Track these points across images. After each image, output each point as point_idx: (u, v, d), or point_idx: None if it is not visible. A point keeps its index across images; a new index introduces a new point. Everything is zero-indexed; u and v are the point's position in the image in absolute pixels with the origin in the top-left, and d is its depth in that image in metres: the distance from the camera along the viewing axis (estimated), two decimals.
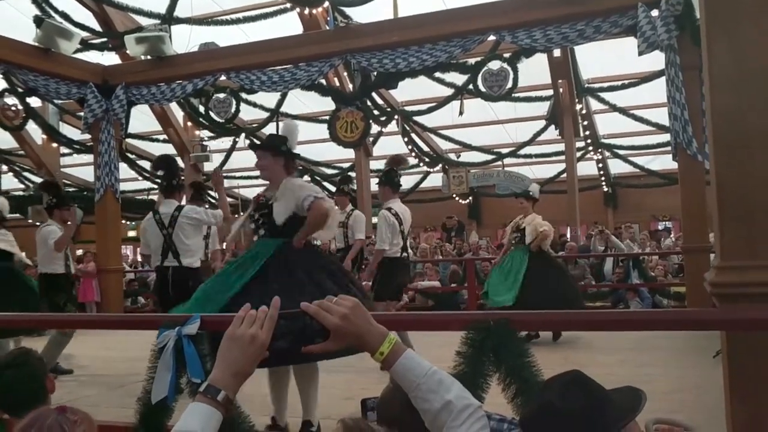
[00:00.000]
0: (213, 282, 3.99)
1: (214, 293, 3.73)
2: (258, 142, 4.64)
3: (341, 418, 1.34)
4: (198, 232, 5.87)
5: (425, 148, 15.39)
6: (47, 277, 6.37)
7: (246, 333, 1.32)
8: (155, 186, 16.25)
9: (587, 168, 15.90)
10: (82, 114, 9.70)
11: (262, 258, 3.82)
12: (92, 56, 10.41)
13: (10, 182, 16.57)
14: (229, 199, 17.31)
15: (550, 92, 12.42)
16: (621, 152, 14.93)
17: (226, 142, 14.38)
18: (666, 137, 10.13)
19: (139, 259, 16.45)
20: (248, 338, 1.31)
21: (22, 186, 16.75)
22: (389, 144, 14.21)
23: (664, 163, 14.18)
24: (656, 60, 7.60)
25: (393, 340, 1.41)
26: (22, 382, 2.35)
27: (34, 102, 10.28)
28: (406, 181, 16.44)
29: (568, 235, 13.58)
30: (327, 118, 9.49)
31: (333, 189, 16.76)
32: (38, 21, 8.84)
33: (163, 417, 2.46)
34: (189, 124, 13.56)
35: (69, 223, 6.44)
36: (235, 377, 1.31)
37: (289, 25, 10.31)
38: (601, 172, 16.60)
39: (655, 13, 6.92)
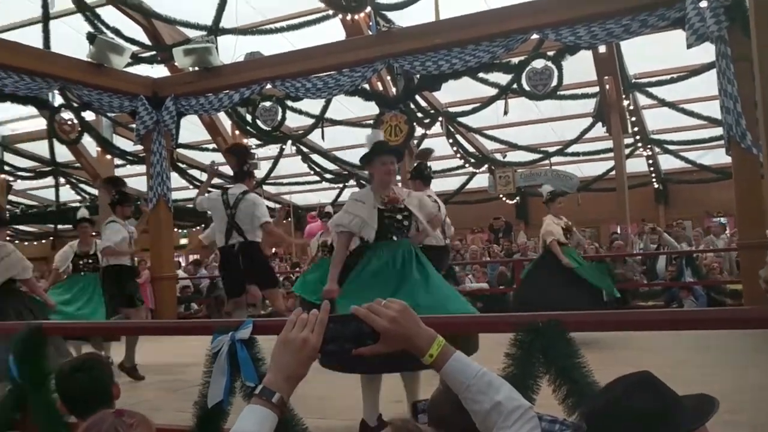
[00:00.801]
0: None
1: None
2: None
3: (390, 419, 1.36)
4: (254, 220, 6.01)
5: (470, 149, 15.31)
6: (115, 269, 6.62)
7: (298, 337, 1.35)
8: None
9: (636, 165, 15.57)
10: (134, 126, 9.97)
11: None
12: (142, 69, 10.72)
13: (68, 194, 17.13)
14: (276, 205, 17.46)
15: (596, 89, 12.23)
16: (671, 147, 14.59)
17: (273, 149, 14.58)
18: (718, 131, 9.85)
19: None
20: (300, 342, 1.35)
21: (79, 197, 17.29)
22: (433, 146, 14.11)
23: (717, 157, 13.78)
24: (706, 52, 7.43)
25: (442, 342, 1.43)
26: (90, 386, 2.43)
27: (89, 116, 10.62)
28: (452, 183, 16.43)
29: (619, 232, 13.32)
30: (371, 122, 9.55)
31: None
32: (91, 38, 9.16)
33: (219, 420, 2.52)
34: (237, 132, 13.79)
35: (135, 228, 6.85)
36: (288, 380, 1.35)
37: (332, 31, 10.41)
38: (651, 169, 16.24)
39: (703, 4, 6.76)
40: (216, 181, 9.58)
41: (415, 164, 6.57)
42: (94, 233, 7.42)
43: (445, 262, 6.33)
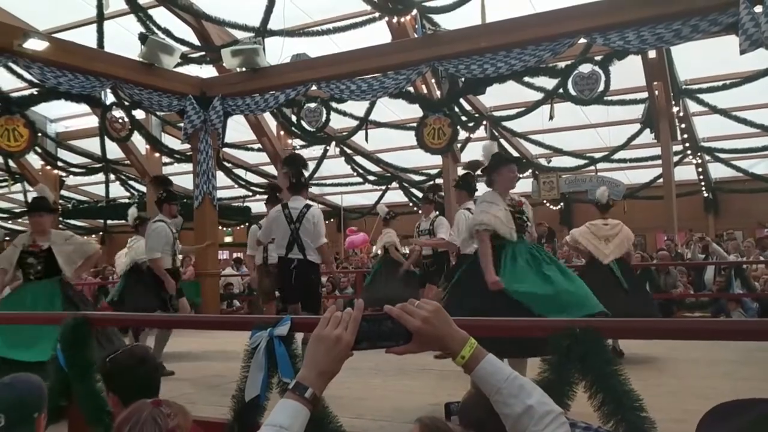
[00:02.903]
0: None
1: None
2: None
3: (419, 417, 1.37)
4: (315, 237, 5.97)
5: (515, 154, 15.20)
6: (152, 272, 6.70)
7: (331, 334, 1.37)
8: (250, 193, 16.81)
9: (685, 173, 15.25)
10: (182, 125, 10.18)
11: None
12: (191, 69, 10.93)
13: (118, 190, 17.57)
14: (319, 206, 17.65)
15: (645, 95, 12.01)
16: (722, 156, 14.25)
17: (317, 150, 14.70)
18: None
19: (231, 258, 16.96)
20: (333, 339, 1.37)
21: (128, 194, 17.72)
22: (477, 150, 14.04)
23: None
24: (759, 58, 7.23)
25: (474, 344, 1.43)
26: (140, 377, 2.49)
27: (138, 114, 10.88)
28: None
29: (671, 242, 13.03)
30: (414, 125, 9.55)
31: (421, 195, 16.87)
32: (143, 38, 9.39)
33: (255, 414, 2.56)
34: (282, 133, 13.96)
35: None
36: (321, 376, 1.36)
37: (378, 34, 10.45)
38: (701, 177, 15.88)
39: (758, 9, 6.59)
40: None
41: (463, 174, 6.58)
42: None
43: None
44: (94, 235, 22.24)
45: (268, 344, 2.50)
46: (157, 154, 13.45)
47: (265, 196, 7.98)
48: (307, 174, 6.23)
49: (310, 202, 6.08)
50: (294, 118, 10.59)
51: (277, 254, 6.05)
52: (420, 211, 17.14)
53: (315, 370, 1.36)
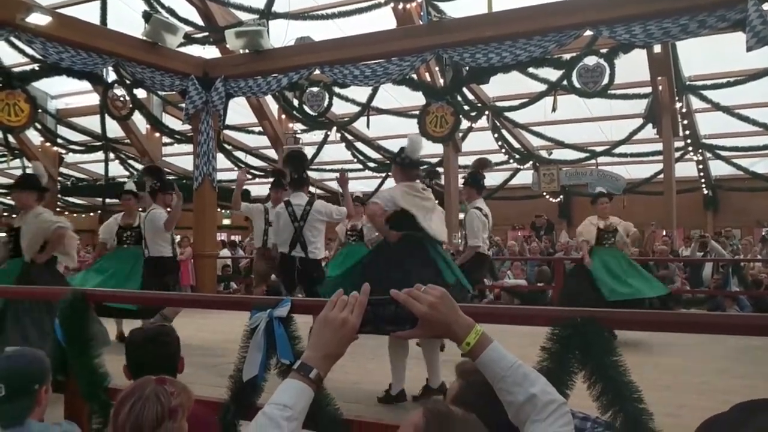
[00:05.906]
0: None
1: None
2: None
3: (422, 402, 1.37)
4: (323, 228, 6.03)
5: (516, 145, 15.17)
6: (156, 260, 6.70)
7: (338, 317, 1.38)
8: (250, 176, 16.77)
9: (686, 169, 15.25)
10: (183, 105, 10.13)
11: None
12: (194, 50, 10.87)
13: (117, 169, 17.53)
14: (319, 191, 17.62)
15: (649, 89, 11.98)
16: (723, 153, 14.23)
17: (318, 135, 14.66)
18: None
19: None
20: (340, 322, 1.37)
21: (127, 173, 17.68)
22: (479, 140, 14.09)
23: None
24: (764, 56, 7.20)
25: (480, 331, 1.43)
26: (158, 357, 2.50)
27: (140, 93, 10.83)
28: (495, 178, 16.29)
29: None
30: (417, 112, 9.51)
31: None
32: (147, 16, 9.34)
33: (252, 394, 2.56)
34: (283, 116, 13.92)
35: (174, 203, 6.78)
36: (326, 358, 1.37)
37: (383, 20, 10.40)
38: (701, 174, 15.88)
39: (766, 6, 6.56)
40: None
41: (472, 171, 6.62)
42: (140, 209, 7.45)
43: (479, 268, 6.46)
44: (92, 213, 22.24)
45: (267, 325, 2.50)
46: (158, 134, 13.43)
47: (264, 180, 7.97)
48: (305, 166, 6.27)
49: (310, 197, 6.08)
50: (296, 102, 10.56)
51: (280, 250, 6.06)
52: None
53: (320, 351, 1.37)
